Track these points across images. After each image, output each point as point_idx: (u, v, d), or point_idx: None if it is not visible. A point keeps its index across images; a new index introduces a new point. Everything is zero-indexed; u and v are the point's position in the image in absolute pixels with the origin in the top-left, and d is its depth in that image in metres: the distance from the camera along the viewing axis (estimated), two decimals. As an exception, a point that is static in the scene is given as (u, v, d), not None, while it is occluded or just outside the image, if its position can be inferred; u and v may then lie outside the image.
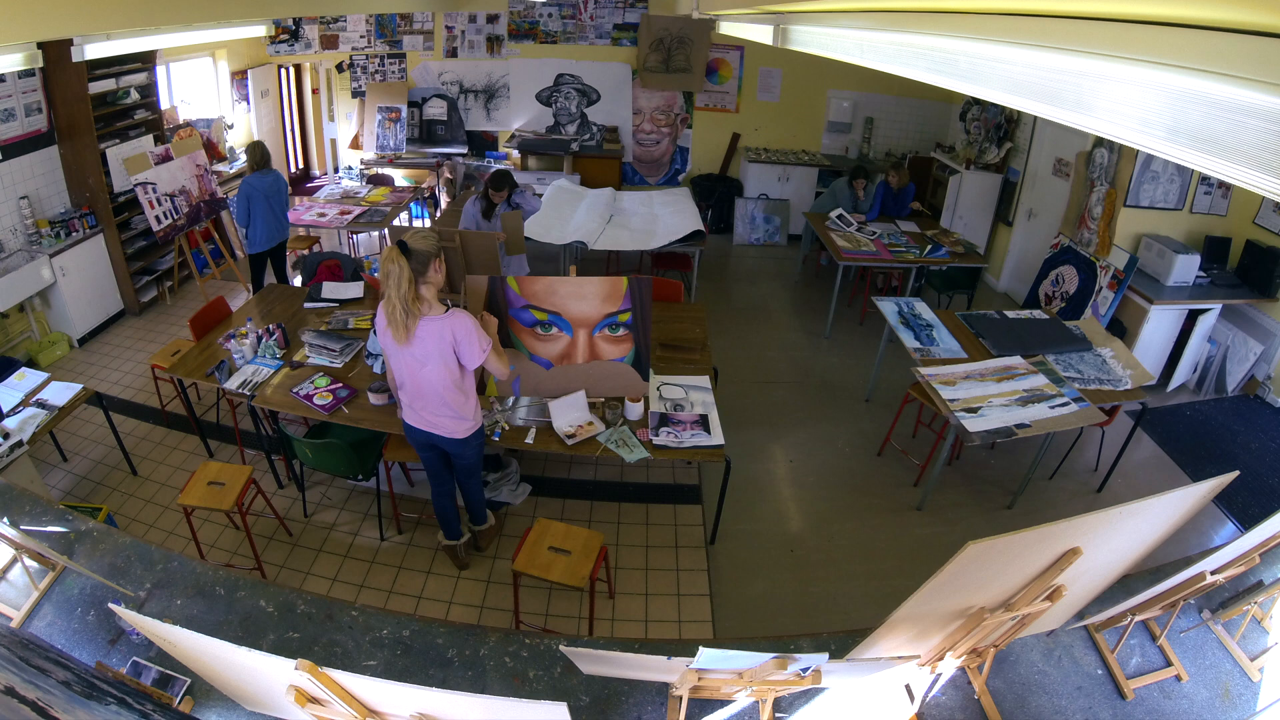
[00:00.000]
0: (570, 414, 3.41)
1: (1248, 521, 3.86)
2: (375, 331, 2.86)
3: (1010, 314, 4.50)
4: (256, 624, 2.45)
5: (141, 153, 5.67)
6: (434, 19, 7.82)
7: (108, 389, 4.82)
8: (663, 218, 6.26)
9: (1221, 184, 5.19)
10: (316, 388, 3.55)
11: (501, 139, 8.22)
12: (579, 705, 2.23)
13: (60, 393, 3.71)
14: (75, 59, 4.60)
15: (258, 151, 5.25)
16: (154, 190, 5.58)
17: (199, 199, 6.08)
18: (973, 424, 3.45)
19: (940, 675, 2.05)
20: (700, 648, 1.68)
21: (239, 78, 7.42)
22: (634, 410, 3.41)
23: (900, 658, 2.06)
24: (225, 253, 6.57)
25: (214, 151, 6.82)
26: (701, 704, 2.24)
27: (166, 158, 5.85)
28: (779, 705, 2.23)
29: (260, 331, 3.83)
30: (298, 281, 5.78)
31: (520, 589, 3.07)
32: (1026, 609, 1.83)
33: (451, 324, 2.71)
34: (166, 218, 5.70)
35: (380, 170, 7.61)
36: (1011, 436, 3.43)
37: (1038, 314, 4.48)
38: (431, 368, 2.76)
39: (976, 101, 6.81)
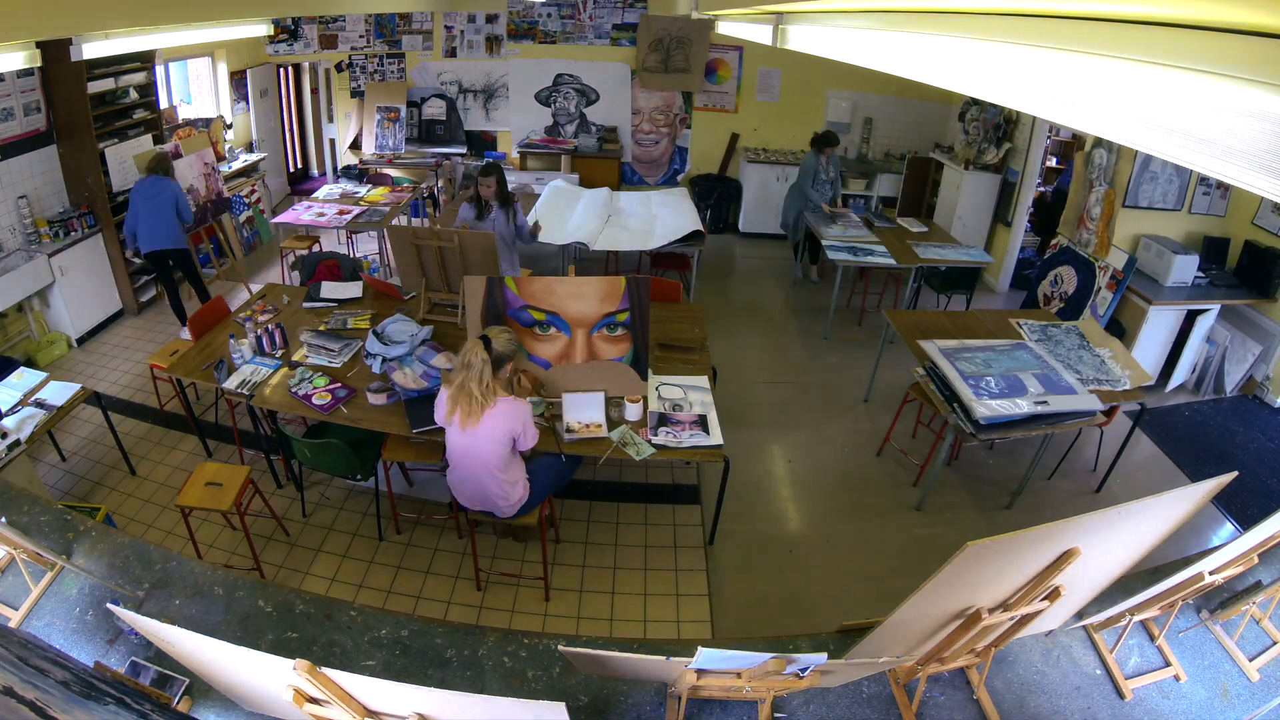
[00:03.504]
0: (583, 412, 3.40)
1: (1246, 522, 3.86)
2: (434, 407, 3.02)
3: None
4: (255, 624, 2.45)
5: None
6: (433, 19, 7.81)
7: (106, 389, 4.81)
8: (661, 218, 6.26)
9: (1220, 185, 5.20)
10: (315, 387, 3.55)
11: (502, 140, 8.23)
12: (577, 705, 2.23)
13: (58, 392, 3.70)
14: (74, 58, 4.60)
15: (144, 160, 5.30)
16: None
17: (206, 198, 6.08)
18: (980, 410, 3.42)
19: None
20: (699, 648, 1.68)
21: (238, 77, 7.42)
22: (633, 411, 3.40)
23: (899, 658, 2.06)
24: (227, 251, 6.57)
25: (212, 151, 6.82)
26: (700, 704, 2.24)
27: (176, 155, 5.85)
28: (778, 705, 2.23)
29: (260, 332, 3.83)
30: (296, 279, 5.78)
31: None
32: (1025, 609, 1.83)
33: (517, 410, 2.87)
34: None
35: (379, 170, 7.61)
36: (1030, 418, 3.43)
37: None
38: (486, 447, 2.88)
39: (975, 102, 6.81)
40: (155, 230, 5.10)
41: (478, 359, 2.78)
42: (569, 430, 3.30)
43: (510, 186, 7.13)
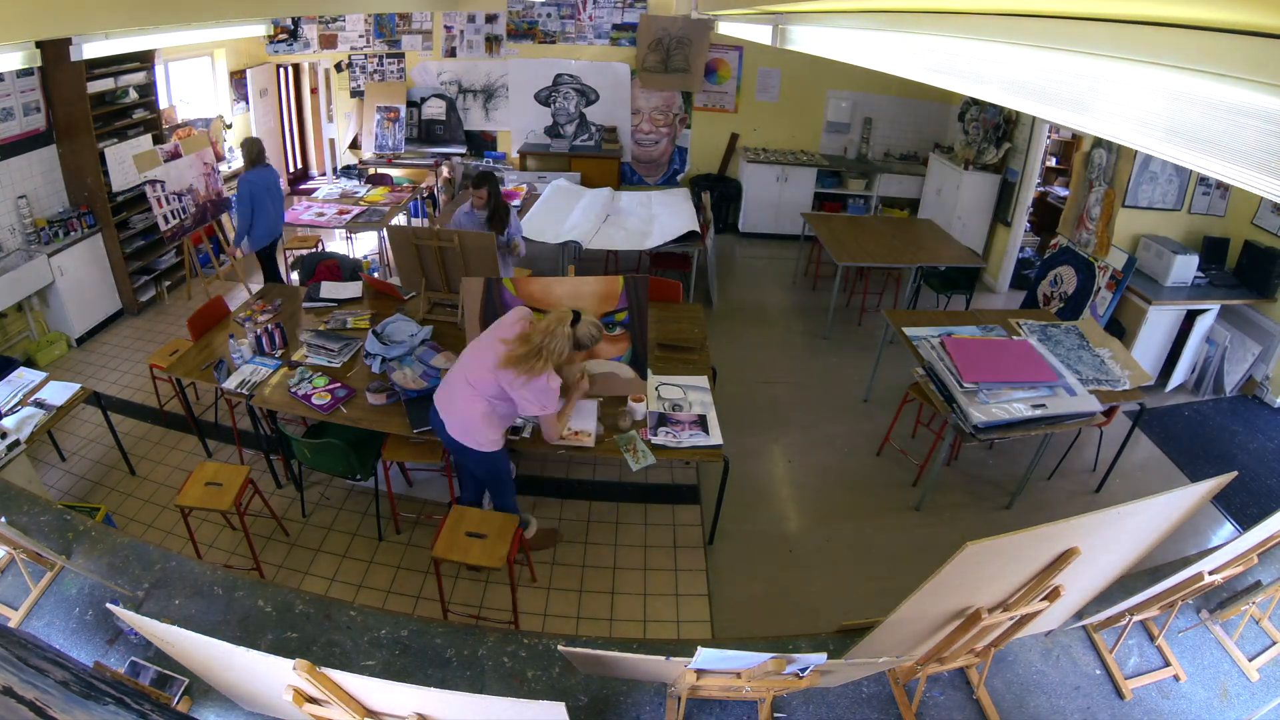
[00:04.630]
0: (577, 419, 3.38)
1: (1246, 522, 3.86)
2: (463, 327, 2.93)
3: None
4: (254, 624, 2.45)
5: (151, 150, 5.66)
6: (433, 19, 7.81)
7: (106, 388, 4.81)
8: (660, 218, 6.26)
9: (1220, 184, 5.20)
10: (315, 387, 3.55)
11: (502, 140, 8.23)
12: (577, 705, 2.23)
13: (58, 392, 3.70)
14: (74, 58, 4.60)
15: (254, 148, 5.26)
16: (163, 189, 5.57)
17: (205, 198, 6.08)
18: (979, 414, 3.40)
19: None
20: (698, 648, 1.68)
21: (237, 77, 7.41)
22: (637, 411, 3.40)
23: (899, 658, 2.06)
24: (227, 251, 6.57)
25: (212, 151, 6.82)
26: (700, 704, 2.24)
27: (175, 155, 5.85)
28: (778, 705, 2.23)
29: (259, 332, 3.83)
30: (296, 279, 5.78)
31: (448, 579, 3.19)
32: (1025, 609, 1.83)
33: (549, 392, 2.81)
34: (174, 217, 5.70)
35: (379, 170, 7.61)
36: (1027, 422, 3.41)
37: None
38: (481, 383, 2.83)
39: (975, 102, 6.81)
40: (275, 219, 5.35)
41: (563, 331, 2.75)
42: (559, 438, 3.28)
43: (511, 185, 7.15)
